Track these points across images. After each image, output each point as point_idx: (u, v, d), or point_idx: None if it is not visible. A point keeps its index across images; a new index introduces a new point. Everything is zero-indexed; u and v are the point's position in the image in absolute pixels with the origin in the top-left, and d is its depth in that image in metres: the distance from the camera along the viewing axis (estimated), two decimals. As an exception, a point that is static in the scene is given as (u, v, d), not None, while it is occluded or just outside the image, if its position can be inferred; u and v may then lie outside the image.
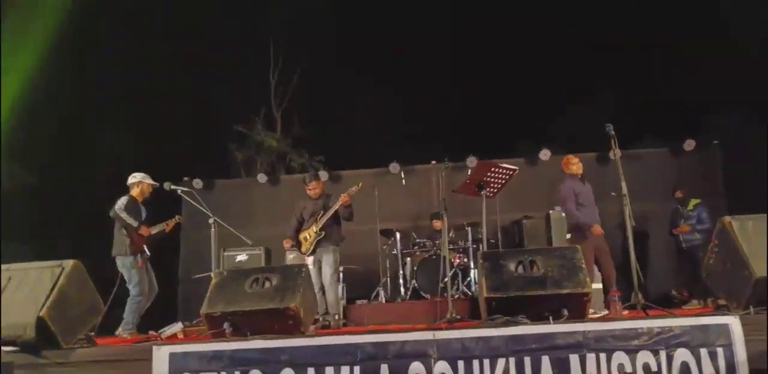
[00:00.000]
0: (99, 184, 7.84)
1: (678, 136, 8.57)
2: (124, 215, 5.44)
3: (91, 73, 9.81)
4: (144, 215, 5.69)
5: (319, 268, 5.61)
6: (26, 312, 3.63)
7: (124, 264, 5.39)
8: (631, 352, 3.32)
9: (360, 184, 5.78)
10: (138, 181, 5.72)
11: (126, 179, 5.80)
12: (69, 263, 3.86)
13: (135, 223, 5.45)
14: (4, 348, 3.62)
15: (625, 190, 4.71)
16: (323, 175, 8.31)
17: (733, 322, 3.29)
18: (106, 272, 5.31)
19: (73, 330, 3.81)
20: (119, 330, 5.31)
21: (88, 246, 6.05)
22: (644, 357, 3.33)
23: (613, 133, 4.93)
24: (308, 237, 5.70)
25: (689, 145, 7.89)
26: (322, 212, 5.72)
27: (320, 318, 5.26)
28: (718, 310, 3.93)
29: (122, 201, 5.54)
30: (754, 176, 9.20)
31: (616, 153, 4.97)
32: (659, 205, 7.41)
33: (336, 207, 5.64)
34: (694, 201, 6.90)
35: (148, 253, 5.55)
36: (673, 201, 7.16)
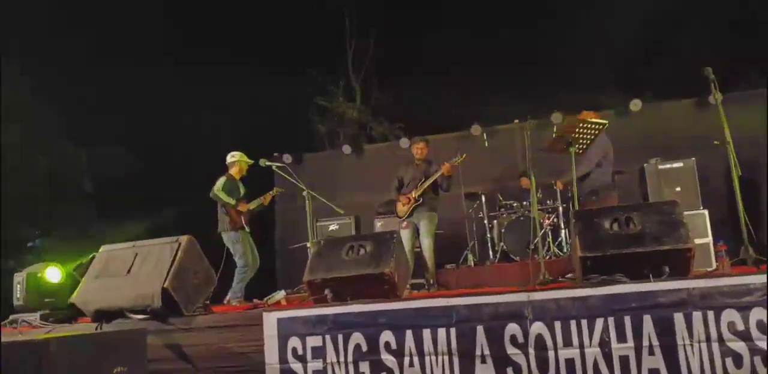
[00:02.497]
0: (199, 164, 8.33)
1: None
2: (222, 195, 5.87)
3: (184, 58, 10.31)
4: (243, 191, 6.08)
5: (415, 231, 5.73)
6: (152, 283, 4.02)
7: (228, 239, 5.86)
8: (743, 309, 3.16)
9: (464, 155, 5.81)
10: (236, 159, 6.13)
11: (223, 158, 6.20)
12: (184, 238, 4.21)
13: (232, 201, 5.87)
14: (136, 316, 4.03)
15: (729, 137, 4.38)
16: (404, 142, 8.35)
17: None
18: (215, 246, 5.73)
19: (192, 299, 4.18)
20: (228, 298, 5.75)
21: (198, 223, 6.50)
22: (759, 314, 3.16)
23: (713, 76, 4.54)
24: (404, 202, 5.81)
25: (801, 82, 7.14)
26: (423, 178, 5.82)
27: (408, 285, 5.39)
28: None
29: (220, 182, 5.97)
30: None
31: (717, 97, 4.59)
32: (768, 151, 6.84)
33: (437, 175, 5.73)
34: (810, 144, 6.32)
35: (247, 228, 5.92)
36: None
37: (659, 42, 12.54)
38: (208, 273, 4.51)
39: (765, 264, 3.80)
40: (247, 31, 12.42)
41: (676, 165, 6.41)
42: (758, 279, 3.23)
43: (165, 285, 3.99)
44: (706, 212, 5.98)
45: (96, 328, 4.05)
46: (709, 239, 5.73)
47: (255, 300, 5.50)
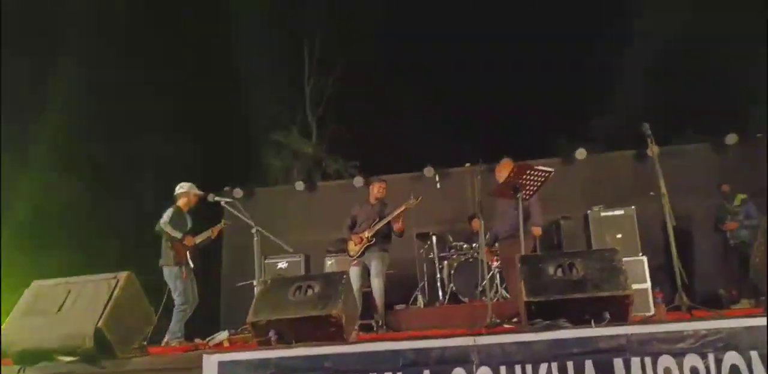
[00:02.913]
0: (144, 194, 8.12)
1: (720, 129, 8.35)
2: (168, 228, 5.65)
3: (137, 85, 10.17)
4: (189, 224, 5.89)
5: (365, 271, 5.72)
6: (85, 323, 3.80)
7: (170, 274, 5.61)
8: (678, 355, 3.25)
9: (419, 198, 5.93)
10: (185, 191, 5.93)
11: (171, 189, 6.03)
12: (123, 275, 4.03)
13: (179, 235, 5.66)
14: (64, 358, 3.80)
15: (664, 189, 4.62)
16: (358, 180, 8.41)
17: (783, 323, 3.20)
18: (155, 282, 5.52)
19: (127, 339, 3.97)
20: (167, 339, 5.50)
21: (137, 256, 6.28)
22: (692, 360, 3.25)
23: (649, 132, 4.82)
24: (357, 242, 5.82)
25: (731, 139, 7.64)
26: (377, 218, 5.87)
27: (361, 324, 5.34)
28: (768, 311, 3.82)
29: (167, 214, 5.75)
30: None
31: (653, 150, 4.86)
32: (702, 202, 7.24)
33: (390, 218, 5.80)
34: (740, 196, 6.73)
35: (191, 264, 5.74)
36: (716, 198, 6.99)
37: (604, 96, 13.27)
38: (147, 313, 4.31)
39: (697, 310, 3.97)
40: (204, 61, 12.43)
41: (617, 212, 6.69)
42: (691, 326, 3.36)
43: (99, 325, 3.78)
44: (644, 258, 6.23)
45: (18, 372, 3.79)
46: (648, 284, 5.95)
47: (196, 340, 5.29)
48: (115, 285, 4.01)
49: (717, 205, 6.91)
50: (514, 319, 4.36)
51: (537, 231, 5.49)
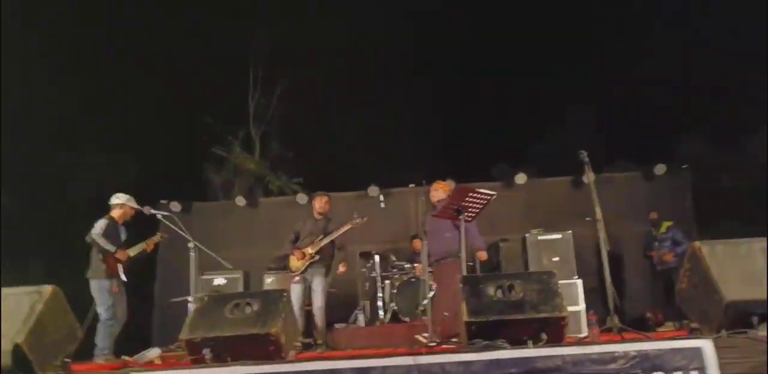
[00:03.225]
0: (77, 205, 7.74)
1: (649, 160, 8.82)
2: (101, 241, 5.40)
3: (70, 94, 9.78)
4: (124, 237, 5.66)
5: (307, 288, 5.63)
6: (3, 339, 3.55)
7: (99, 287, 5.33)
8: (610, 376, 3.38)
9: (364, 218, 5.94)
10: (122, 202, 5.68)
11: (104, 199, 5.79)
12: (47, 289, 3.80)
13: (112, 248, 5.42)
14: (-23, 377, 3.53)
15: (599, 215, 4.81)
16: (302, 197, 8.33)
17: (705, 345, 3.37)
18: (81, 295, 5.24)
19: (49, 357, 3.73)
20: (95, 356, 5.21)
21: (63, 268, 5.96)
22: (623, 380, 3.39)
23: (587, 160, 5.02)
24: (300, 257, 5.71)
25: (660, 169, 8.08)
26: (321, 234, 5.79)
27: (301, 342, 5.24)
28: (692, 334, 4.02)
29: (100, 224, 5.49)
30: (722, 201, 9.49)
31: (590, 177, 5.07)
32: (631, 228, 7.59)
33: (335, 235, 5.75)
34: (666, 224, 7.09)
35: (124, 278, 5.49)
36: (644, 224, 7.33)
37: (545, 123, 13.82)
38: (72, 329, 4.07)
39: (627, 332, 4.13)
40: (145, 71, 12.11)
41: (554, 236, 6.92)
42: (622, 347, 3.50)
43: (18, 342, 3.54)
44: (579, 281, 6.45)
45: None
46: (582, 306, 6.14)
47: (124, 358, 5.03)
48: (38, 300, 3.78)
49: (645, 232, 7.25)
50: (454, 339, 4.38)
51: (482, 255, 5.50)
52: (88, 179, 9.17)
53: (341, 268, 5.91)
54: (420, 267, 5.55)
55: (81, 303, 4.96)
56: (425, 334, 5.05)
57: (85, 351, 5.13)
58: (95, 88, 10.46)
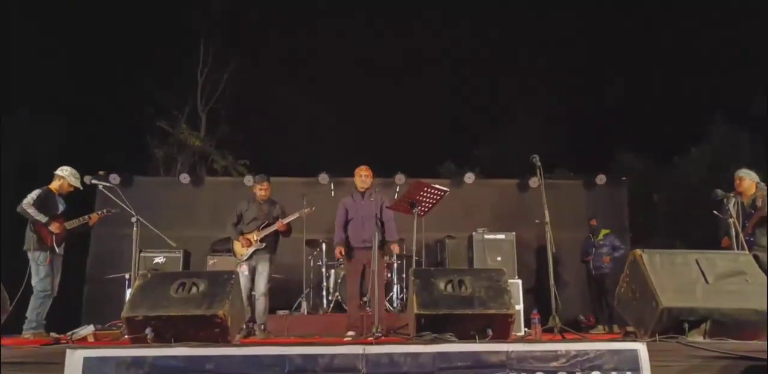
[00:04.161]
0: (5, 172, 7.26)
1: (588, 170, 9.17)
2: (32, 210, 5.19)
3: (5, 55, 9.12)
4: (62, 208, 5.41)
5: (252, 274, 5.51)
6: None
7: (33, 258, 5.13)
8: (551, 373, 3.50)
9: (312, 208, 5.94)
10: (63, 175, 5.47)
11: (36, 167, 5.52)
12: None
13: (44, 219, 5.20)
14: None
15: (547, 218, 4.97)
16: (249, 179, 8.13)
17: (641, 348, 3.54)
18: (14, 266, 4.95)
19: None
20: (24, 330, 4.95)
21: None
22: (563, 378, 3.52)
23: (539, 163, 5.16)
24: (246, 244, 5.58)
25: (600, 179, 8.41)
26: (265, 221, 5.66)
27: (243, 326, 5.14)
28: (627, 337, 4.23)
29: (32, 194, 5.29)
30: (653, 212, 10.00)
31: (539, 182, 5.21)
32: (571, 234, 7.83)
33: (280, 224, 5.61)
34: (604, 231, 7.41)
35: (58, 251, 5.24)
36: (582, 230, 7.64)
37: (495, 127, 14.13)
38: (1, 299, 3.86)
39: (568, 332, 4.29)
40: (95, 37, 11.48)
41: (499, 236, 7.09)
42: (564, 346, 3.63)
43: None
44: (520, 281, 6.64)
45: None
46: (521, 306, 6.33)
47: (53, 334, 4.78)
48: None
49: (584, 238, 7.55)
50: (401, 330, 4.42)
51: (397, 248, 5.66)
52: (20, 144, 8.59)
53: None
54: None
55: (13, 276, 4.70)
56: (351, 333, 5.12)
57: (15, 325, 4.87)
58: (36, 48, 9.82)
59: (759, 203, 5.32)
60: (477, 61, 14.15)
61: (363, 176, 5.66)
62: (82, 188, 5.69)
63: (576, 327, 6.34)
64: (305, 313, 6.59)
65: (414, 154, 13.09)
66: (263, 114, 14.13)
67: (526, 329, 6.00)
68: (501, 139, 14.46)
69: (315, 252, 7.21)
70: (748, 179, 5.47)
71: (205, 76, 14.18)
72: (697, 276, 4.01)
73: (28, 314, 5.00)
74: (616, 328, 6.69)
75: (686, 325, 3.79)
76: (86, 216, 5.49)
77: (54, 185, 5.47)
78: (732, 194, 5.24)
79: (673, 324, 3.79)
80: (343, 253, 5.47)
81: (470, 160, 13.82)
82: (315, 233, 7.18)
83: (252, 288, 5.50)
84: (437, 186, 5.47)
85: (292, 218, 5.75)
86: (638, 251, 4.14)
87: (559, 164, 12.60)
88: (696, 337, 3.75)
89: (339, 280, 6.71)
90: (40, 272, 5.10)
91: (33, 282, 5.09)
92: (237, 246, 5.64)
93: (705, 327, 3.80)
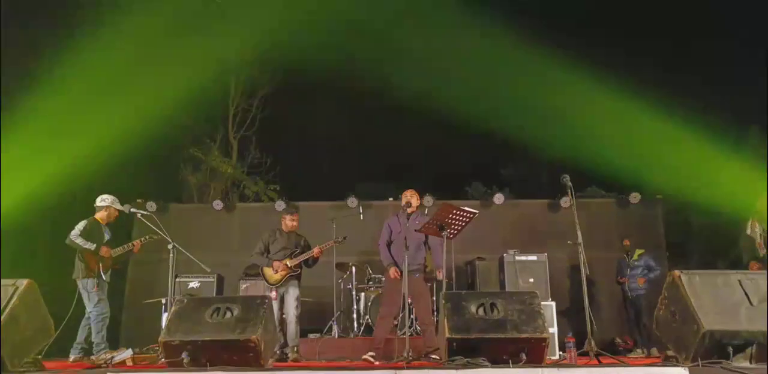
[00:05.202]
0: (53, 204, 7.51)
1: (621, 189, 9.03)
2: (79, 241, 5.44)
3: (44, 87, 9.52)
4: (107, 237, 5.67)
5: (281, 301, 5.61)
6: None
7: (83, 287, 5.37)
8: (588, 398, 3.43)
9: (345, 237, 6.12)
10: (107, 204, 5.73)
11: (91, 199, 5.80)
12: (23, 282, 3.70)
13: (91, 246, 5.44)
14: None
15: (580, 239, 4.90)
16: (280, 204, 8.27)
17: (683, 373, 3.46)
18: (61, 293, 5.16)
19: (21, 352, 3.61)
20: (95, 354, 5.19)
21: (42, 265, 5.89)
22: (600, 403, 3.44)
23: (570, 184, 5.12)
24: (280, 270, 5.74)
25: (635, 197, 8.28)
26: (296, 249, 5.86)
27: (276, 351, 5.18)
28: (667, 361, 4.11)
29: (79, 226, 5.54)
30: (690, 232, 9.76)
31: (572, 202, 5.15)
32: (604, 254, 7.69)
33: (315, 251, 5.82)
34: (638, 252, 7.25)
35: (104, 277, 5.45)
36: (615, 251, 7.48)
37: (522, 147, 14.03)
38: (46, 324, 3.97)
39: (604, 357, 4.20)
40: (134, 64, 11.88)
41: (531, 257, 7.01)
42: (600, 371, 3.57)
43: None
44: (553, 304, 6.53)
45: None
46: (555, 329, 6.22)
47: (92, 358, 4.90)
48: (14, 293, 3.67)
49: (618, 259, 7.40)
50: (434, 356, 4.39)
51: (440, 274, 5.45)
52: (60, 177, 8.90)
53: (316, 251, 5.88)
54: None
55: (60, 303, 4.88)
56: (371, 353, 5.08)
57: (59, 349, 5.03)
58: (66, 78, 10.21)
59: None
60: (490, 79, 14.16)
61: (408, 196, 5.60)
62: (126, 210, 5.90)
63: (612, 350, 6.20)
64: (336, 337, 6.59)
65: (442, 175, 13.12)
66: (292, 138, 14.38)
67: (560, 353, 5.88)
68: (528, 158, 14.38)
69: (345, 276, 7.24)
70: None
71: (237, 104, 14.54)
72: (740, 298, 3.88)
73: (94, 338, 5.24)
74: (655, 351, 6.48)
75: (730, 349, 3.67)
76: (130, 244, 5.71)
77: (99, 215, 5.71)
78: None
79: (716, 348, 3.68)
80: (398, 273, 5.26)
81: (498, 180, 13.77)
82: (344, 256, 7.23)
83: (282, 314, 5.58)
84: (466, 208, 5.46)
85: (326, 246, 5.93)
86: (677, 272, 4.04)
87: (591, 182, 12.45)
88: (741, 362, 3.62)
89: (369, 303, 6.71)
90: (92, 298, 5.32)
91: (88, 308, 5.32)
92: (269, 272, 5.75)
93: (750, 351, 3.67)
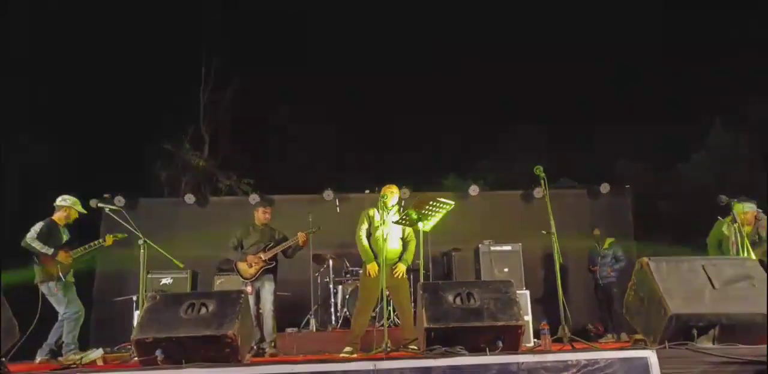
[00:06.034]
0: (10, 198, 7.32)
1: (591, 179, 9.17)
2: (36, 244, 5.21)
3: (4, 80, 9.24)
4: (66, 238, 5.45)
5: (257, 295, 5.56)
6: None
7: (47, 291, 5.19)
8: (562, 383, 3.49)
9: (319, 227, 6.09)
10: (67, 205, 5.49)
11: (41, 195, 5.58)
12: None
13: (49, 251, 5.23)
14: None
15: (554, 228, 4.98)
16: (254, 198, 8.18)
17: (651, 356, 3.54)
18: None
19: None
20: (65, 355, 5.06)
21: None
22: (574, 387, 3.51)
23: (543, 175, 5.18)
24: (254, 264, 5.65)
25: (605, 188, 8.42)
26: (270, 243, 5.78)
27: (254, 346, 5.14)
28: (637, 344, 4.21)
29: (35, 228, 5.30)
30: (658, 220, 9.97)
31: (544, 192, 5.22)
32: (575, 243, 7.80)
33: (290, 243, 5.77)
34: (609, 241, 7.40)
35: (63, 279, 5.25)
36: (586, 240, 7.61)
37: (495, 138, 14.19)
38: (9, 325, 3.86)
39: (577, 342, 4.28)
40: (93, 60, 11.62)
41: (505, 248, 7.10)
42: (574, 356, 3.62)
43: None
44: (528, 292, 6.63)
45: None
46: (529, 317, 6.31)
47: (60, 359, 4.79)
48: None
49: (591, 248, 7.53)
50: (412, 346, 4.42)
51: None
52: (22, 169, 8.66)
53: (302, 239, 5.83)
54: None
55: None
56: (348, 349, 5.10)
57: (25, 351, 4.89)
58: (31, 72, 9.93)
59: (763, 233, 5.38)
60: (479, 71, 14.27)
61: (389, 191, 5.54)
62: (87, 213, 5.73)
63: (585, 336, 6.31)
64: (314, 330, 6.56)
65: (417, 167, 13.15)
66: (265, 131, 14.24)
67: (535, 340, 5.98)
68: (503, 150, 14.51)
69: (322, 269, 7.21)
70: (750, 212, 5.50)
71: (208, 96, 14.31)
72: (704, 282, 4.00)
73: (65, 338, 5.08)
74: (624, 336, 6.65)
75: (695, 331, 3.77)
76: (96, 242, 5.49)
77: (58, 216, 5.48)
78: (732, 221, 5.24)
79: (682, 331, 3.78)
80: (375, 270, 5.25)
81: (473, 172, 13.84)
82: (321, 249, 7.21)
83: (258, 309, 5.53)
84: (442, 199, 5.47)
85: (302, 238, 5.83)
86: (645, 259, 4.14)
87: (562, 173, 12.61)
88: (705, 343, 3.73)
89: (347, 296, 6.70)
90: (60, 301, 5.16)
91: (60, 311, 5.16)
92: (243, 266, 5.68)
93: (714, 332, 3.79)
